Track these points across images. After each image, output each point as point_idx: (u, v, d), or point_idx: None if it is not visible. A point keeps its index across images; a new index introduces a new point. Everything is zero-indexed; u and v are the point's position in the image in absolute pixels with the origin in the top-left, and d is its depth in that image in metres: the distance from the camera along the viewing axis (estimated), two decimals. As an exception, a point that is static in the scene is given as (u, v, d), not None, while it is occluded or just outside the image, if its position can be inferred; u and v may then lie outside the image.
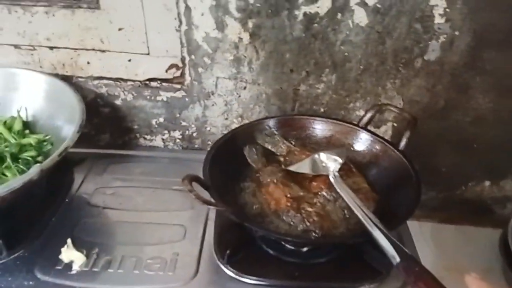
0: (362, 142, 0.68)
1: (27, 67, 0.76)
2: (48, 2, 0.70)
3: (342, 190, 0.57)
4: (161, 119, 0.82)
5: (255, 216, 0.59)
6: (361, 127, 0.69)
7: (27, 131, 0.71)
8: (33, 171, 0.51)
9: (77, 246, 0.61)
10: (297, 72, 0.72)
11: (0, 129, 0.69)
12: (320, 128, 0.69)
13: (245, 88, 0.75)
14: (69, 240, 0.61)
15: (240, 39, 0.70)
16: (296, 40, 0.69)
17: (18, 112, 0.72)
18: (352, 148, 0.68)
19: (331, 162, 0.61)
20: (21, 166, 0.65)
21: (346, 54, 0.70)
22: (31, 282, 0.56)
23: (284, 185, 0.62)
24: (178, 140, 0.85)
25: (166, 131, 0.83)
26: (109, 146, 0.84)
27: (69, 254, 0.60)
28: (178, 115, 0.81)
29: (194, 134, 0.83)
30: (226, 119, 0.80)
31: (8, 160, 0.65)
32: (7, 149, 0.66)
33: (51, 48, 0.74)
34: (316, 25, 0.67)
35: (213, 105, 0.78)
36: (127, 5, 0.68)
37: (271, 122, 0.69)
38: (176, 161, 0.81)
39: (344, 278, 0.58)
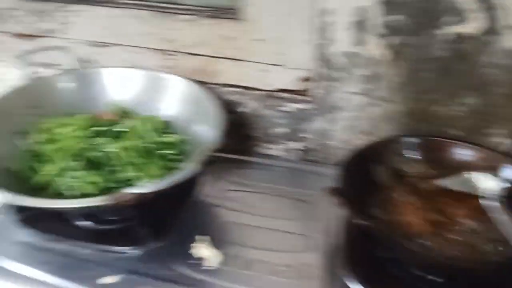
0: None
1: (167, 71, 0.81)
2: (195, 12, 0.75)
3: (501, 217, 0.53)
4: (283, 130, 0.83)
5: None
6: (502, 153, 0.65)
7: (166, 130, 0.76)
8: (192, 169, 0.53)
9: (211, 243, 0.63)
10: (436, 92, 0.70)
11: (143, 127, 0.74)
12: (460, 153, 0.66)
13: (376, 105, 0.74)
14: (204, 237, 0.64)
15: (380, 55, 0.69)
16: (440, 60, 0.67)
17: (159, 112, 0.77)
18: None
19: (489, 183, 0.57)
20: (166, 163, 0.69)
21: (492, 77, 0.66)
22: (172, 273, 0.59)
23: (421, 208, 0.60)
24: (297, 152, 0.85)
25: (286, 142, 0.85)
26: (229, 151, 0.87)
27: (205, 250, 0.62)
28: (300, 127, 0.81)
29: (315, 147, 0.83)
30: (351, 135, 0.79)
31: (154, 156, 0.69)
32: (152, 146, 0.71)
33: (191, 54, 0.79)
34: (463, 45, 0.65)
35: (339, 119, 0.78)
36: (273, 18, 0.70)
37: (408, 141, 0.67)
38: (294, 172, 0.81)
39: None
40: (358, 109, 0.76)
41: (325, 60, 0.73)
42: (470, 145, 0.66)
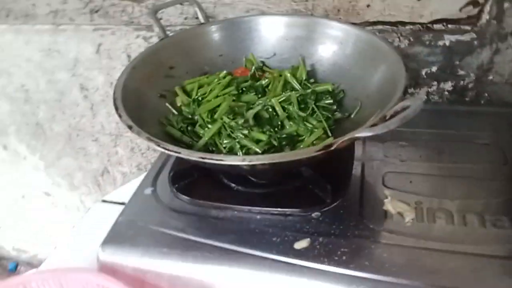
0: None
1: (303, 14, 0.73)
2: None
3: None
4: (434, 68, 0.73)
5: None
6: None
7: (311, 80, 0.68)
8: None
9: (396, 197, 0.57)
10: None
11: (289, 78, 0.67)
12: None
13: (562, 24, 0.63)
14: (389, 191, 0.57)
15: None
16: None
17: (301, 61, 0.70)
18: None
19: None
20: (324, 113, 0.62)
21: None
22: (365, 232, 0.53)
23: None
24: (446, 93, 0.76)
25: (435, 82, 0.75)
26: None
27: (395, 205, 0.56)
28: (457, 63, 0.72)
29: (470, 85, 0.74)
30: (520, 65, 0.69)
31: (313, 106, 0.62)
32: (306, 96, 0.64)
33: (332, -8, 0.70)
34: None
35: (507, 48, 0.68)
36: None
37: None
38: (447, 114, 0.72)
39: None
40: (536, 33, 0.65)
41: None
42: None
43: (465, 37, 0.69)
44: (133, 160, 0.92)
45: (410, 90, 0.77)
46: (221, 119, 0.61)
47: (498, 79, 0.71)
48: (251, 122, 0.59)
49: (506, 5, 0.64)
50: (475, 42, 0.69)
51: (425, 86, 0.76)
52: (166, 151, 0.49)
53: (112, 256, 0.55)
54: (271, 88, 0.67)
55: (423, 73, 0.74)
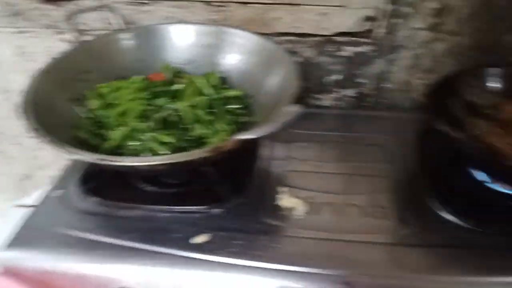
0: None
1: (217, 24, 0.77)
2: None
3: None
4: (338, 76, 0.80)
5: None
6: None
7: (224, 86, 0.72)
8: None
9: (291, 193, 0.62)
10: (508, 21, 0.67)
11: (200, 84, 0.71)
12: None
13: (442, 40, 0.71)
14: (285, 188, 0.62)
15: (451, -16, 0.66)
16: (515, -17, 0.64)
17: (214, 68, 0.74)
18: None
19: None
20: (233, 117, 0.67)
21: None
22: (260, 226, 0.58)
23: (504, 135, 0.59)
24: (349, 99, 0.83)
25: (339, 89, 0.82)
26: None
27: (289, 201, 0.61)
28: (357, 72, 0.79)
29: (370, 92, 0.81)
30: (411, 74, 0.77)
31: (219, 110, 0.66)
32: (215, 101, 0.68)
33: (242, 3, 0.75)
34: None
35: (400, 59, 0.75)
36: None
37: (490, 71, 0.65)
38: (349, 119, 0.79)
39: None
40: (422, 46, 0.73)
41: (391, -4, 0.69)
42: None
43: (363, 49, 0.75)
44: (58, 164, 0.91)
45: (317, 96, 0.83)
46: (131, 122, 0.63)
47: (394, 86, 0.79)
48: (158, 125, 0.62)
49: (397, 21, 0.71)
50: (372, 54, 0.76)
51: (331, 93, 0.82)
52: (67, 154, 0.51)
53: (16, 259, 0.56)
54: (184, 93, 0.71)
55: (328, 80, 0.81)
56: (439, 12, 0.68)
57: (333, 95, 0.83)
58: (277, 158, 0.70)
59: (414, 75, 0.77)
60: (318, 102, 0.85)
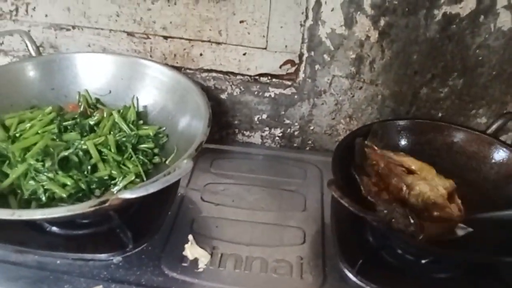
0: (493, 152, 0.64)
1: (136, 55, 0.75)
2: (169, -9, 0.69)
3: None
4: (264, 116, 0.79)
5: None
6: (491, 136, 0.65)
7: (140, 122, 0.70)
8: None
9: (198, 242, 0.60)
10: (422, 74, 0.69)
11: (116, 119, 0.68)
12: (443, 134, 0.66)
13: (361, 88, 0.72)
14: (191, 237, 0.60)
15: (368, 37, 0.66)
16: (429, 41, 0.65)
17: (132, 101, 0.71)
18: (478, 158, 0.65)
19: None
20: (142, 157, 0.64)
21: (480, 58, 0.66)
22: (160, 278, 0.55)
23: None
24: (277, 138, 0.82)
25: (267, 128, 0.81)
26: (207, 140, 0.82)
27: (193, 251, 0.59)
28: (282, 113, 0.78)
29: (296, 133, 0.81)
30: (333, 119, 0.77)
31: (130, 151, 0.64)
32: (126, 140, 0.65)
33: (166, 37, 0.73)
34: (454, 26, 0.63)
35: (322, 104, 0.76)
36: (256, -3, 0.65)
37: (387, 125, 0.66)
38: (275, 159, 0.78)
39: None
40: (342, 93, 0.74)
41: (311, 43, 0.69)
42: (453, 126, 0.66)
43: (287, 91, 0.75)
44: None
45: (247, 133, 0.82)
46: (29, 160, 0.60)
47: (318, 129, 0.79)
48: (56, 166, 0.59)
49: (317, 67, 0.71)
50: (296, 96, 0.75)
51: (259, 131, 0.82)
52: None
53: None
54: (99, 127, 0.68)
55: (256, 119, 0.80)
56: (355, 61, 0.69)
57: (262, 133, 0.82)
58: (191, 202, 0.67)
59: (337, 119, 0.77)
60: (247, 140, 0.84)
